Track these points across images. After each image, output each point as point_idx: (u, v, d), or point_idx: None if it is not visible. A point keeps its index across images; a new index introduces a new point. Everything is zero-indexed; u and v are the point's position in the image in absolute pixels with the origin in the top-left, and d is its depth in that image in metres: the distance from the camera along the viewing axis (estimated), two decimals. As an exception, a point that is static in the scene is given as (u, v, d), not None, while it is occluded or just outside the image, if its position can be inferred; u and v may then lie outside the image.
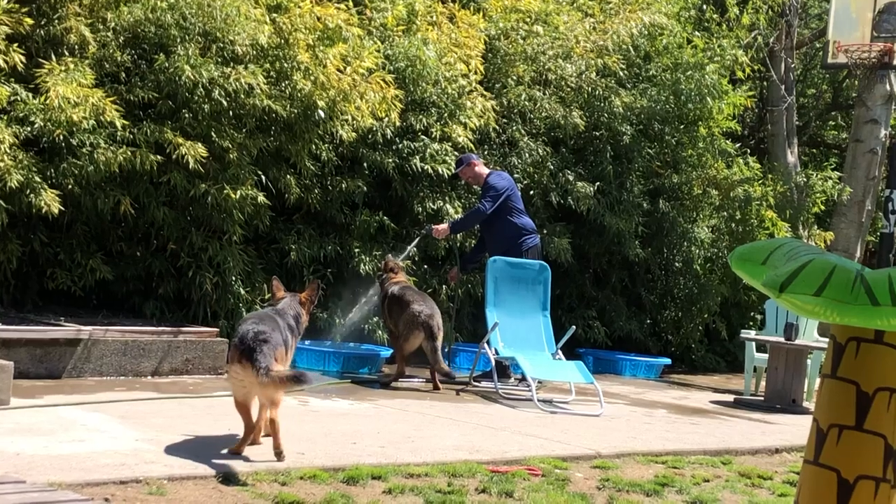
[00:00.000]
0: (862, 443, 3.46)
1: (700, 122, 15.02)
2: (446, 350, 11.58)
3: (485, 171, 11.09)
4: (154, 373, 9.07)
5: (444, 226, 10.98)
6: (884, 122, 17.92)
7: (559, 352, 10.49)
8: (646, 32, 14.49)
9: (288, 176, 10.59)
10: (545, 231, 13.01)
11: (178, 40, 9.81)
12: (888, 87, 17.70)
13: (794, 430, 9.29)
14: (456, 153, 11.77)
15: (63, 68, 8.93)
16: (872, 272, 3.26)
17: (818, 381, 3.61)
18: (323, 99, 10.28)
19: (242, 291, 10.24)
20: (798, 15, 19.12)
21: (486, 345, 10.21)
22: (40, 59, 9.08)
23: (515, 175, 12.77)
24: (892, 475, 3.49)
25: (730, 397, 11.78)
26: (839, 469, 3.47)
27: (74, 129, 8.83)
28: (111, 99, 9.06)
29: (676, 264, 15.03)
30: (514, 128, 13.09)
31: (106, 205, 9.45)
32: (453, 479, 6.02)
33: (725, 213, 15.24)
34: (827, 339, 3.69)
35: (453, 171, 11.47)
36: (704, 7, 16.16)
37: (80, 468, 5.34)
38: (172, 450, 6.03)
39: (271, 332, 6.07)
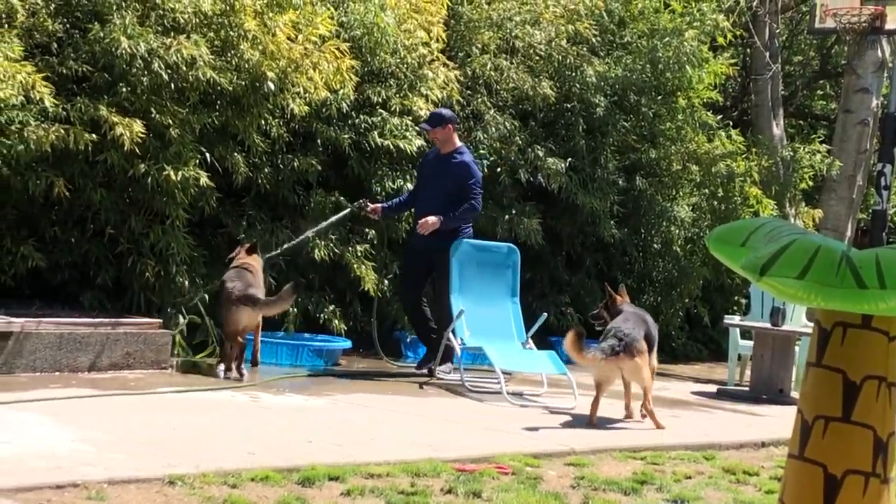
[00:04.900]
0: (850, 435, 3.50)
1: (679, 93, 15.08)
2: (408, 339, 11.61)
3: (457, 140, 10.77)
4: (92, 367, 9.03)
5: (433, 219, 10.36)
6: (875, 91, 18.04)
7: (530, 341, 10.52)
8: (620, -4, 14.58)
9: (235, 154, 10.54)
10: (514, 211, 13.04)
11: (115, 8, 9.73)
12: (879, 53, 17.83)
13: (782, 422, 9.33)
14: (417, 128, 11.74)
15: (-11, 40, 8.87)
16: (859, 252, 3.29)
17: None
18: (272, 69, 10.25)
19: (186, 281, 10.19)
20: (783, -24, 19.21)
21: (450, 334, 10.23)
22: (-37, 31, 9.01)
23: (482, 150, 12.79)
24: (883, 469, 3.53)
25: (713, 388, 11.86)
26: (826, 464, 3.50)
27: (2, 105, 8.76)
28: (42, 75, 9.00)
29: (655, 245, 15.10)
30: (480, 100, 13.09)
31: (38, 186, 9.39)
32: (417, 479, 6.04)
33: (707, 191, 15.31)
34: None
35: (425, 124, 10.91)
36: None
37: (12, 472, 5.32)
38: (113, 451, 6.02)
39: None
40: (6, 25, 9.33)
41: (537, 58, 13.70)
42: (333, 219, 10.96)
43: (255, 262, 9.86)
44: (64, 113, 9.33)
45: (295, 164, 11.21)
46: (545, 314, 11.07)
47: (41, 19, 9.65)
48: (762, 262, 3.25)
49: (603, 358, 8.26)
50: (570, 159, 13.52)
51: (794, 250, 3.25)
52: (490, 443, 7.29)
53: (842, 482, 3.48)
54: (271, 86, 10.29)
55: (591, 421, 8.42)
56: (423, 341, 10.98)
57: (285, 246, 10.73)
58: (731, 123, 17.00)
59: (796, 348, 11.54)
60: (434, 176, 10.67)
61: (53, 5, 9.85)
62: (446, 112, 10.83)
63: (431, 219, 10.37)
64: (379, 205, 10.96)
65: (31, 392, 7.81)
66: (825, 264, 3.22)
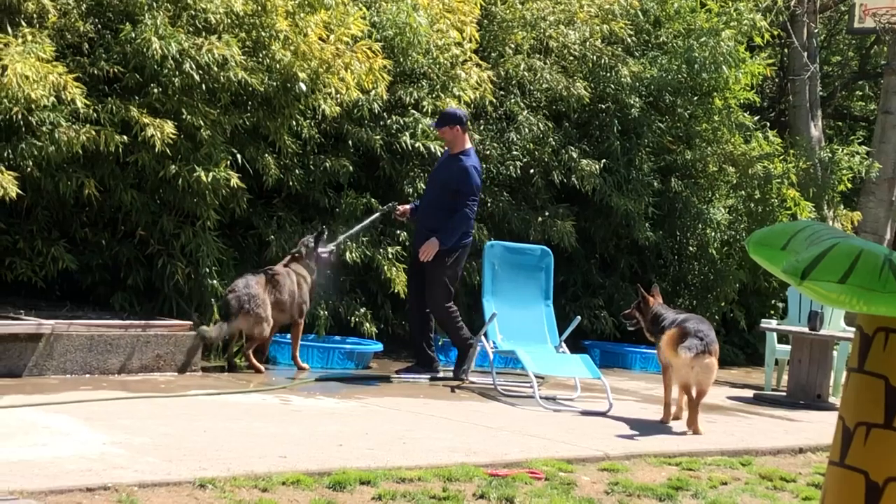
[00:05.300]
0: (892, 442, 3.48)
1: (715, 93, 15.02)
2: (440, 343, 11.60)
3: (466, 143, 10.55)
4: (122, 370, 9.07)
5: (430, 244, 10.24)
6: (915, 93, 17.91)
7: (563, 344, 10.51)
8: (655, -5, 14.54)
9: (266, 155, 10.57)
10: (547, 213, 13.02)
11: (146, 8, 9.78)
12: (920, 53, 17.70)
13: (820, 427, 9.32)
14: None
15: (21, 41, 8.91)
16: (901, 256, 3.27)
17: (845, 374, 3.64)
18: (304, 70, 10.27)
19: (216, 283, 10.21)
20: (821, -25, 19.10)
21: (483, 337, 10.23)
22: (-5, 31, 9.06)
23: (514, 152, 12.77)
24: (925, 477, 3.50)
25: (749, 393, 11.81)
26: (867, 471, 3.48)
27: (33, 106, 8.81)
28: (73, 75, 9.05)
29: (690, 248, 15.05)
30: (513, 100, 13.08)
31: (68, 188, 9.45)
32: (449, 484, 6.04)
33: (743, 192, 15.25)
34: (854, 329, 3.69)
35: (434, 123, 10.87)
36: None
37: (44, 475, 5.35)
38: (143, 454, 6.04)
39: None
40: (37, 26, 9.40)
41: (571, 58, 13.69)
42: (364, 223, 10.90)
43: (295, 268, 10.24)
44: (95, 114, 9.37)
45: (326, 166, 11.23)
46: (578, 317, 11.03)
47: (72, 20, 9.71)
48: (803, 266, 3.23)
49: (693, 356, 8.47)
50: (604, 161, 13.50)
51: (835, 254, 3.23)
52: (523, 447, 7.28)
53: (883, 489, 3.46)
54: (303, 86, 10.31)
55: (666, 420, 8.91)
56: (415, 346, 10.81)
57: (332, 245, 10.65)
58: (768, 124, 16.90)
59: (834, 353, 11.49)
60: (439, 176, 10.63)
61: (85, 6, 9.90)
62: (454, 113, 10.60)
63: (427, 245, 10.27)
64: (408, 206, 10.91)
65: (62, 394, 7.85)
66: (867, 268, 3.20)
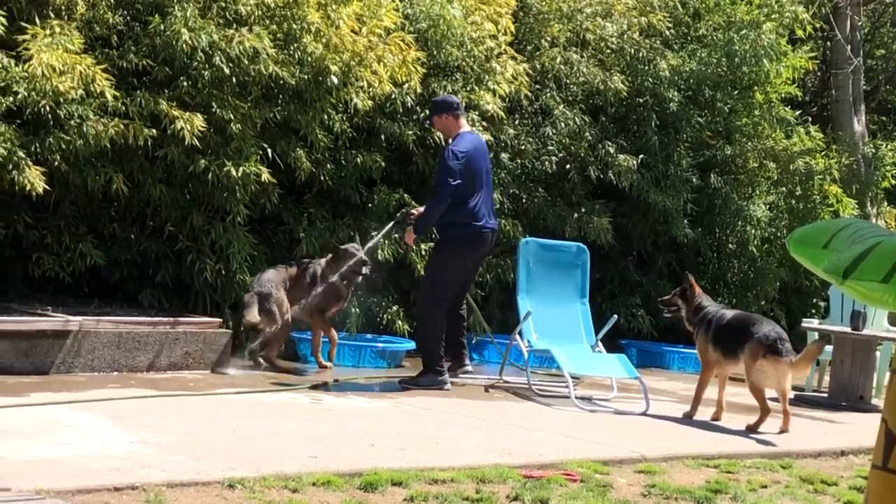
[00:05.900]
0: (936, 445, 3.45)
1: (756, 87, 14.95)
2: (472, 341, 11.58)
3: (460, 128, 9.84)
4: (150, 367, 9.11)
5: (409, 231, 9.97)
6: (962, 86, 17.79)
7: (599, 343, 10.48)
8: (695, -13, 14.49)
9: (297, 150, 10.58)
10: (583, 210, 12.99)
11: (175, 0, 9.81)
12: (967, 46, 17.58)
13: (862, 429, 9.26)
14: (484, 123, 11.73)
15: (48, 32, 8.95)
16: (948, 256, 3.23)
17: (888, 375, 3.60)
18: (336, 63, 10.27)
19: (247, 280, 10.23)
20: (866, -34, 18.99)
21: (517, 336, 10.21)
22: (23, 23, 9.09)
23: (550, 147, 12.75)
24: (971, 482, 3.47)
25: (790, 394, 11.73)
26: (911, 475, 3.46)
27: (61, 99, 8.85)
28: (101, 67, 9.08)
29: (730, 246, 14.99)
30: (549, 94, 13.06)
31: (97, 182, 9.48)
32: (482, 486, 6.03)
33: (784, 189, 15.17)
34: (897, 330, 3.66)
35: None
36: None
37: (71, 474, 5.37)
38: (171, 453, 6.06)
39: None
40: (66, 17, 9.42)
41: (608, 51, 13.66)
42: (381, 233, 10.56)
43: (317, 267, 10.24)
44: (123, 107, 9.40)
45: (358, 161, 11.21)
46: (615, 316, 11.02)
47: (101, 11, 9.73)
48: (845, 265, 3.21)
49: (787, 363, 8.86)
50: (641, 156, 13.46)
51: (878, 253, 3.20)
52: (558, 448, 7.27)
53: (927, 495, 3.43)
54: (334, 80, 10.31)
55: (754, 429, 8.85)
56: (447, 347, 10.09)
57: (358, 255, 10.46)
58: (810, 119, 16.84)
59: (877, 353, 11.41)
60: None
61: (114, -3, 9.94)
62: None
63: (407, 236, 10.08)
64: (422, 208, 10.26)
65: (90, 392, 7.90)
66: (911, 267, 3.18)
